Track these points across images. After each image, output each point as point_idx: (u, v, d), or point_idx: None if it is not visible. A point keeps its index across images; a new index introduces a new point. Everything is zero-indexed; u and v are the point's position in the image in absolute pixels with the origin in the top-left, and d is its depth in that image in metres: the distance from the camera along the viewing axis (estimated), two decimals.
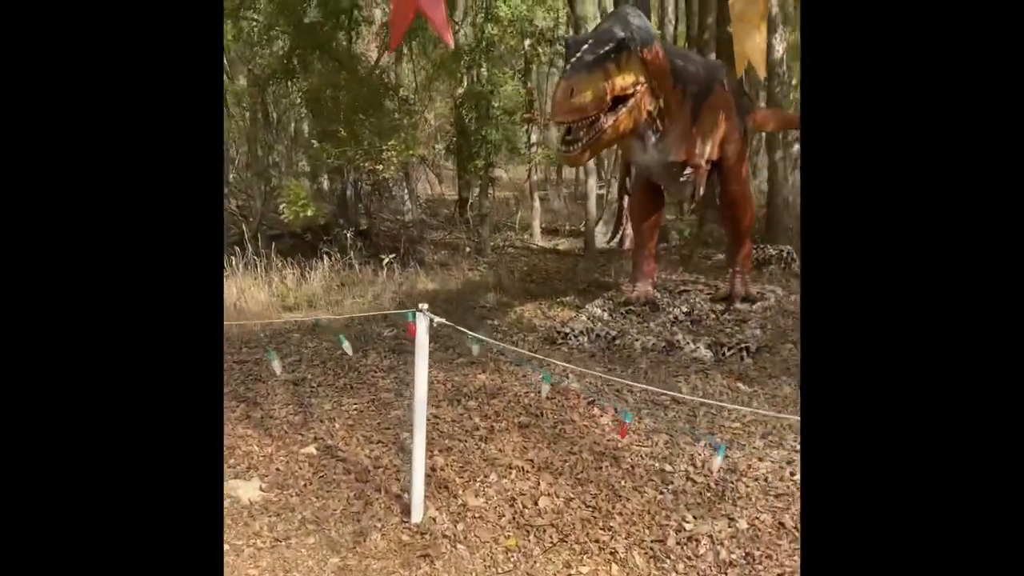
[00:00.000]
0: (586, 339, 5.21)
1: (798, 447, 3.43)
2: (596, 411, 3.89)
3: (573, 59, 4.00)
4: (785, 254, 8.16)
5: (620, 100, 4.14)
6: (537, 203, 11.21)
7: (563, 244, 10.71)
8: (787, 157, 9.64)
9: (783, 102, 9.17)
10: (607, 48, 4.07)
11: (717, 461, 2.09)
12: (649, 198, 5.97)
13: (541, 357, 4.28)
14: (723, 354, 4.86)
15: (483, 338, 2.63)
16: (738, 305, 5.98)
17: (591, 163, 9.34)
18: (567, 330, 5.29)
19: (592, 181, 9.35)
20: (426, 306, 2.67)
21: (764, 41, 3.45)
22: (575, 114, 3.97)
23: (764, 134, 9.51)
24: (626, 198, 10.36)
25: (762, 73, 3.58)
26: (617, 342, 5.12)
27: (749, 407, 3.98)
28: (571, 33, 13.03)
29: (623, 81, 4.10)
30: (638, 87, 4.21)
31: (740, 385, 4.32)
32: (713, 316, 5.73)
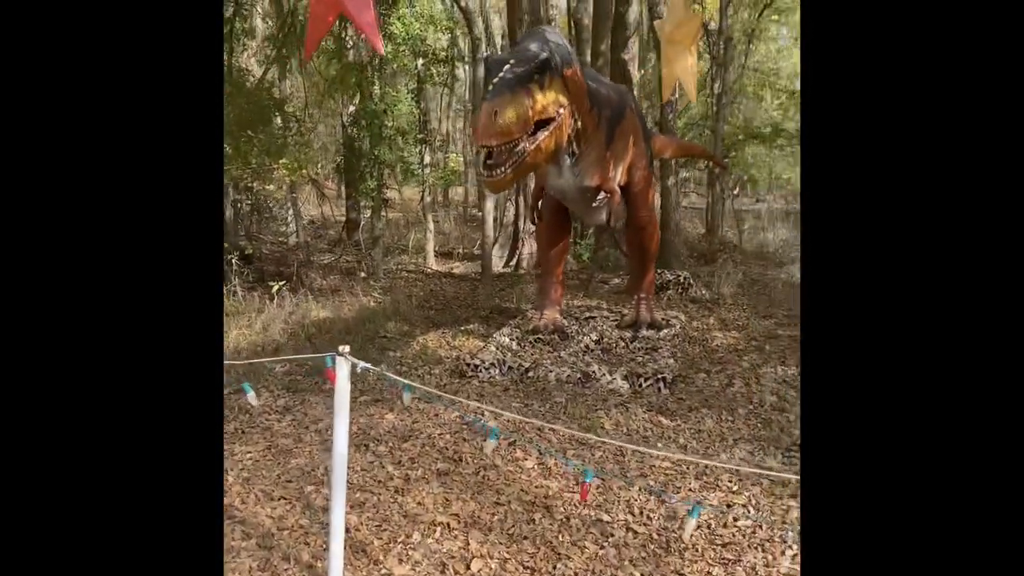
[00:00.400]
0: (497, 371, 4.95)
1: (734, 487, 3.28)
2: (519, 453, 3.62)
3: (496, 79, 3.76)
4: (682, 279, 8.22)
5: (543, 123, 3.93)
6: (432, 225, 10.91)
7: (458, 268, 10.45)
8: (678, 183, 9.76)
9: (672, 129, 9.29)
10: (530, 68, 3.85)
11: (691, 526, 1.86)
12: (558, 224, 5.80)
13: (489, 408, 3.98)
14: (640, 385, 4.71)
15: (417, 386, 2.31)
16: (644, 332, 5.89)
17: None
18: (476, 362, 5.01)
19: (489, 204, 9.14)
20: (347, 348, 2.33)
21: (695, 64, 3.33)
22: (499, 137, 3.72)
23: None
24: (523, 220, 10.34)
25: (693, 97, 3.48)
26: (531, 374, 4.88)
27: (676, 442, 3.82)
28: (467, 54, 12.86)
29: (546, 102, 3.90)
30: (561, 109, 4.02)
31: (662, 419, 4.17)
32: (623, 344, 5.60)
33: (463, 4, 8.01)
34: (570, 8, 9.98)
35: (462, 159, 16.44)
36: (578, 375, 4.81)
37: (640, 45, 10.14)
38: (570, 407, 4.34)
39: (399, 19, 8.50)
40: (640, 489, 3.22)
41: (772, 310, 7.39)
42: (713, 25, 12.98)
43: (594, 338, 5.69)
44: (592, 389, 4.68)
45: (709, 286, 8.22)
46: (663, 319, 6.22)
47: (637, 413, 4.25)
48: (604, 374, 4.79)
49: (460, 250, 12.03)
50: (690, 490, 3.26)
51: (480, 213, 18.30)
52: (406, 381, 2.30)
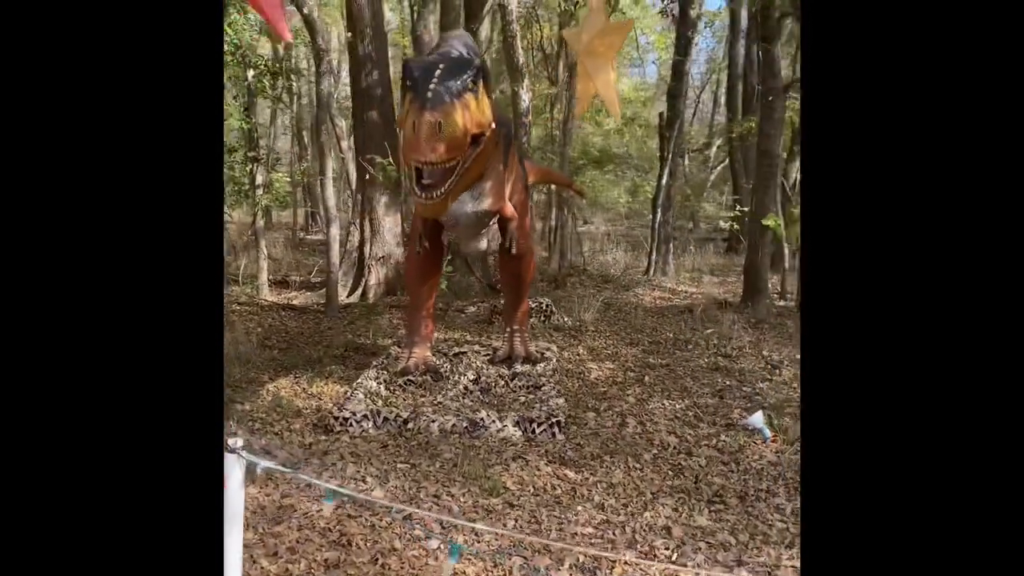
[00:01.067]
0: (371, 424, 4.34)
1: (674, 556, 2.91)
2: (419, 531, 3.06)
3: (431, 86, 3.23)
4: (544, 306, 7.94)
5: (475, 138, 3.44)
6: (265, 251, 9.98)
7: (297, 298, 9.60)
8: (532, 208, 9.48)
9: (527, 152, 9.03)
10: (466, 76, 3.36)
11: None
12: (433, 253, 5.27)
13: (466, 523, 3.37)
14: (533, 432, 4.28)
15: (342, 490, 1.73)
16: (518, 367, 5.49)
17: (334, 208, 8.44)
18: (346, 414, 4.37)
19: (334, 229, 8.43)
20: (239, 442, 1.71)
21: (616, 78, 2.97)
22: (446, 152, 3.20)
23: None
24: (369, 246, 9.67)
25: (617, 114, 3.11)
26: (410, 426, 4.31)
27: (590, 501, 3.41)
28: (304, 66, 11.98)
29: (480, 115, 3.41)
30: (492, 124, 3.56)
31: (567, 472, 3.75)
32: (503, 383, 5.16)
33: (305, 12, 7.32)
34: (413, 23, 9.51)
35: (289, 179, 15.45)
36: (464, 424, 4.30)
37: (492, 64, 9.83)
38: (463, 463, 3.82)
39: (229, 26, 7.66)
40: (572, 568, 2.77)
41: (635, 336, 7.25)
42: (551, 50, 13.00)
43: (471, 377, 5.20)
44: (482, 439, 4.19)
45: (569, 312, 7.99)
46: (537, 351, 5.86)
47: (539, 467, 3.81)
48: (493, 421, 4.31)
49: (295, 278, 11.14)
50: (626, 563, 2.85)
51: (306, 236, 17.29)
52: (328, 485, 1.71)
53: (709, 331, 7.43)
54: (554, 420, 4.30)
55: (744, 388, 5.30)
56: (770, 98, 7.35)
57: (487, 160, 3.84)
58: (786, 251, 9.91)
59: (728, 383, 5.45)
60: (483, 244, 5.57)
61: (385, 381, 5.11)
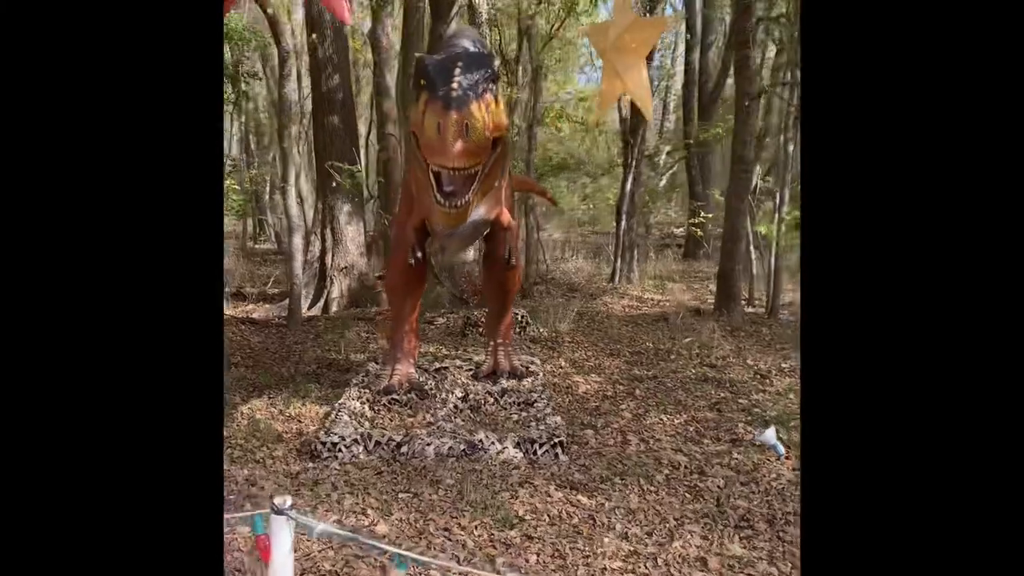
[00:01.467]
0: (362, 449, 4.05)
1: None
2: (435, 573, 2.80)
3: (454, 84, 2.97)
4: (519, 317, 7.71)
5: (494, 142, 3.20)
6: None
7: (257, 312, 9.19)
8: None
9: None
10: (485, 74, 3.12)
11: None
12: (419, 266, 5.01)
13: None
14: (535, 453, 4.05)
15: (413, 555, 1.47)
16: (504, 383, 5.26)
17: (297, 217, 8.08)
18: (334, 438, 4.07)
19: (297, 239, 8.06)
20: (288, 501, 1.44)
21: (647, 76, 2.77)
22: (473, 156, 2.96)
23: None
24: (331, 256, 9.31)
25: (650, 116, 2.90)
26: (404, 450, 4.04)
27: (613, 530, 3.19)
28: (262, 69, 11.50)
29: (499, 116, 3.17)
30: (509, 127, 3.33)
31: (580, 498, 3.53)
32: (492, 400, 4.92)
33: (270, 12, 6.97)
34: (375, 27, 9.20)
35: (239, 187, 14.93)
36: (462, 446, 4.05)
37: None
38: (468, 491, 3.57)
39: None
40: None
41: (614, 346, 7.09)
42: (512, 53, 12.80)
43: (458, 395, 4.95)
44: (482, 462, 3.94)
45: (544, 323, 7.78)
46: (522, 365, 5.63)
47: (549, 492, 3.57)
48: (492, 443, 4.06)
49: (251, 290, 10.70)
50: None
51: (255, 246, 16.72)
52: (396, 550, 1.46)
53: (688, 340, 7.30)
54: (556, 440, 4.08)
55: (740, 400, 5.16)
56: (747, 103, 7.28)
57: (503, 165, 3.62)
58: (753, 257, 9.89)
59: (722, 395, 5.30)
60: (470, 254, 5.33)
61: (368, 400, 4.82)
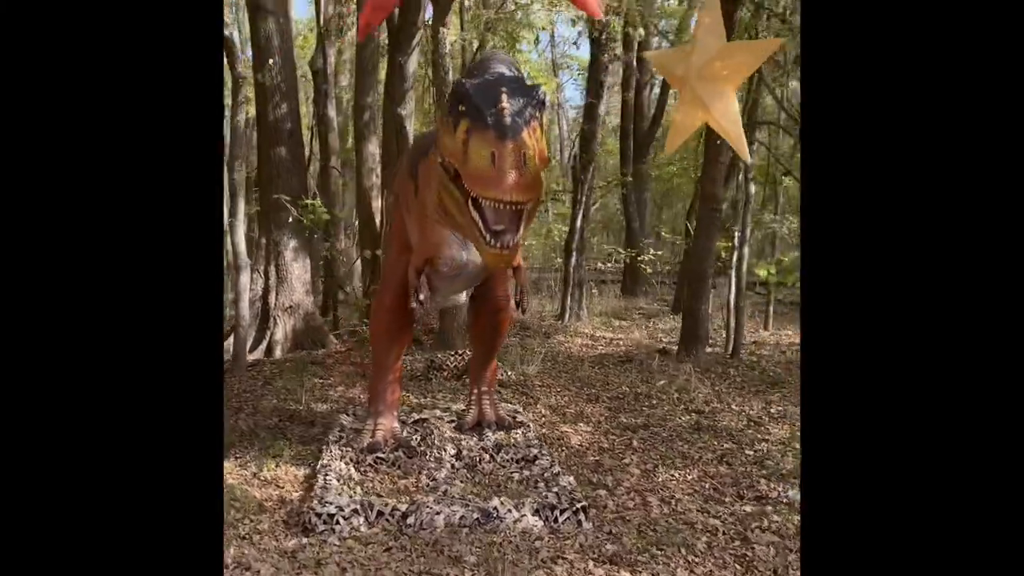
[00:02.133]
0: (363, 520, 3.57)
1: None
2: None
3: (505, 112, 2.62)
4: None
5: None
6: None
7: None
8: None
9: None
10: (532, 100, 2.77)
11: None
12: (406, 308, 4.57)
13: None
14: (555, 520, 3.65)
15: None
16: (491, 435, 4.87)
17: (244, 254, 7.49)
18: (330, 508, 3.58)
19: (244, 278, 7.47)
20: None
21: (737, 107, 2.47)
22: (529, 191, 2.59)
23: None
24: (275, 295, 8.69)
25: (746, 154, 2.60)
26: (411, 520, 3.58)
27: None
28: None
29: (544, 148, 2.81)
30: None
31: (623, 574, 3.16)
32: (488, 457, 4.51)
33: (228, 33, 6.47)
34: (315, 57, 8.77)
35: None
36: (475, 515, 3.62)
37: (416, 101, 9.22)
38: (496, 570, 3.15)
39: None
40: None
41: (588, 390, 6.78)
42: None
43: (450, 451, 4.52)
44: (502, 536, 3.52)
45: (512, 366, 7.41)
46: (508, 415, 5.24)
47: (588, 569, 3.19)
48: (508, 510, 3.65)
49: None
50: None
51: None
52: None
53: (662, 383, 7.06)
54: (579, 506, 3.70)
55: (746, 452, 4.90)
56: (717, 142, 7.17)
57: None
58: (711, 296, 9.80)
59: (725, 445, 5.04)
60: (463, 297, 4.94)
61: (352, 460, 4.34)
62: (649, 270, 13.27)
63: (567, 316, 11.47)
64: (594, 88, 11.36)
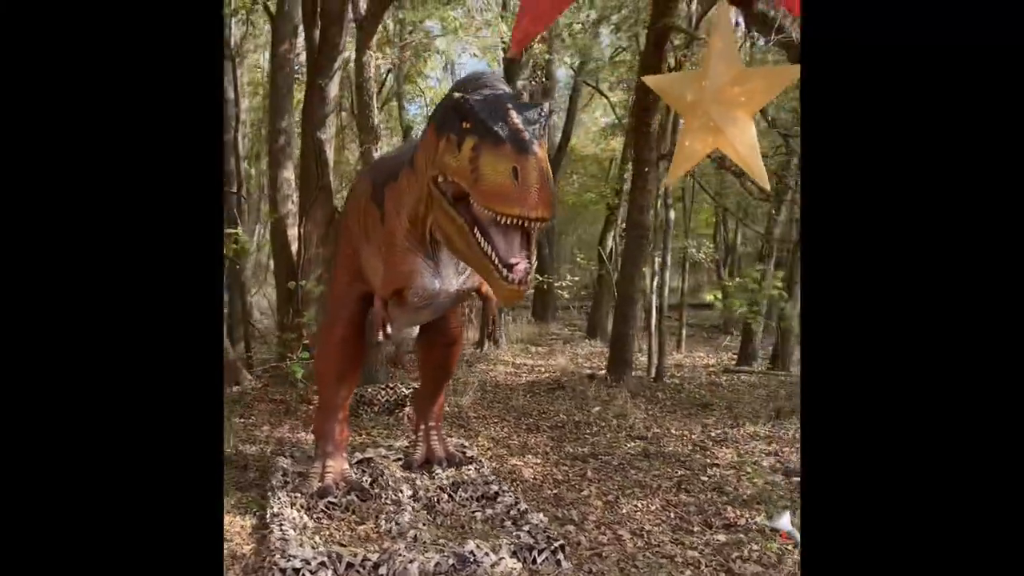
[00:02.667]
0: (331, 573, 3.30)
1: None
2: None
3: (519, 125, 2.47)
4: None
5: None
6: None
7: None
8: None
9: None
10: (540, 114, 2.63)
11: None
12: (358, 343, 4.32)
13: None
14: (533, 561, 3.49)
15: None
16: (442, 471, 4.68)
17: None
18: (295, 563, 3.29)
19: None
20: None
21: (755, 134, 2.42)
22: (553, 209, 2.44)
23: None
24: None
25: (766, 183, 2.52)
26: (383, 570, 3.33)
27: None
28: None
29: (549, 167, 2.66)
30: None
31: None
32: (446, 497, 4.31)
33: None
34: (234, 74, 8.39)
35: None
36: (450, 560, 3.41)
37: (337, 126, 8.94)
38: None
39: None
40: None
41: (527, 420, 6.66)
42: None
43: (407, 492, 4.29)
44: None
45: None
46: (457, 451, 5.05)
47: None
48: (485, 553, 3.46)
49: None
50: None
51: None
52: None
53: (596, 409, 7.03)
54: (556, 545, 3.55)
55: (701, 478, 4.89)
56: (646, 170, 7.26)
57: None
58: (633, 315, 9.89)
59: (678, 472, 5.01)
60: (415, 331, 4.73)
61: (303, 507, 4.05)
62: (567, 295, 13.30)
63: (484, 344, 11.34)
64: None
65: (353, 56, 8.20)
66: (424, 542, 3.61)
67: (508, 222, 2.45)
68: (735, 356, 11.20)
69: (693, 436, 6.01)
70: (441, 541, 3.63)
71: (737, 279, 7.72)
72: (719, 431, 6.19)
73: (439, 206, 2.91)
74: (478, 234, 2.64)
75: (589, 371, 9.12)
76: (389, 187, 3.62)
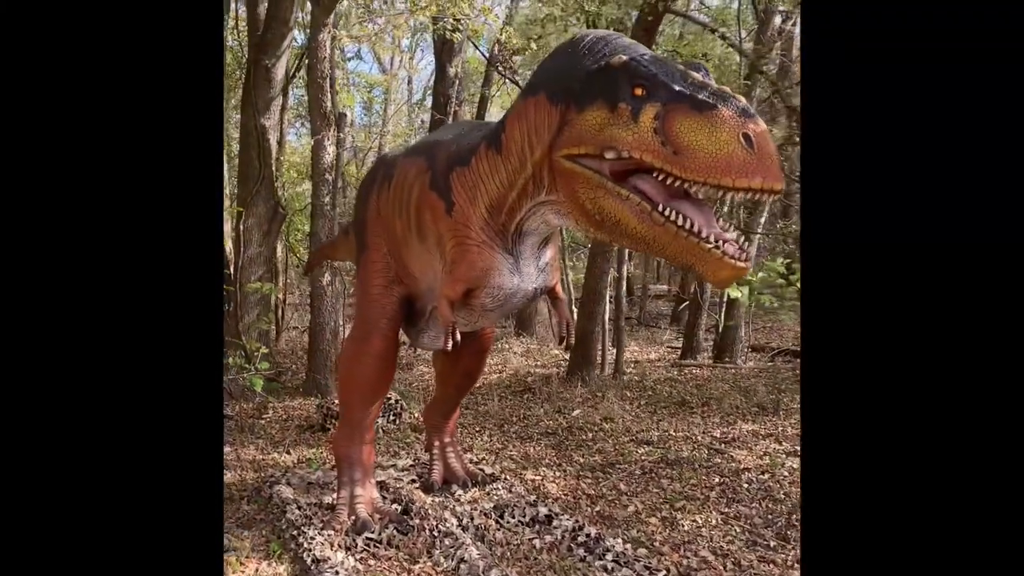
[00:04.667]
0: None
1: None
2: None
3: (713, 86, 2.13)
4: (395, 402, 6.52)
5: None
6: None
7: None
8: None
9: (332, 213, 7.53)
10: (708, 76, 2.28)
11: None
12: (396, 357, 3.77)
13: None
14: None
15: None
16: (463, 493, 4.22)
17: None
18: None
19: None
20: None
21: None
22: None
23: None
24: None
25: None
26: None
27: None
28: None
29: None
30: None
31: None
32: (494, 524, 3.85)
33: None
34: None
35: None
36: None
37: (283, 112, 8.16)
38: None
39: None
40: None
41: (511, 427, 6.25)
42: None
43: (452, 522, 3.79)
44: None
45: (421, 404, 6.69)
46: (483, 469, 4.60)
47: None
48: None
49: None
50: None
51: None
52: None
53: (576, 412, 6.71)
54: (655, 572, 3.18)
55: (740, 483, 4.64)
56: None
57: None
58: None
59: (714, 479, 4.75)
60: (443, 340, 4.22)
61: (342, 546, 3.49)
62: None
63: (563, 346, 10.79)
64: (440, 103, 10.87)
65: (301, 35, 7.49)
66: None
67: (740, 196, 2.04)
68: (672, 349, 11.19)
69: (699, 438, 5.78)
70: None
71: (760, 273, 7.55)
72: (721, 431, 6.00)
73: (593, 187, 2.44)
74: (671, 212, 2.21)
75: (541, 369, 8.78)
76: (457, 173, 3.12)
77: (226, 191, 7.77)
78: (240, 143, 7.38)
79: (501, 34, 8.69)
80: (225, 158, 7.79)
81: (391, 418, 6.34)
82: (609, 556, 3.36)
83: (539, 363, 9.54)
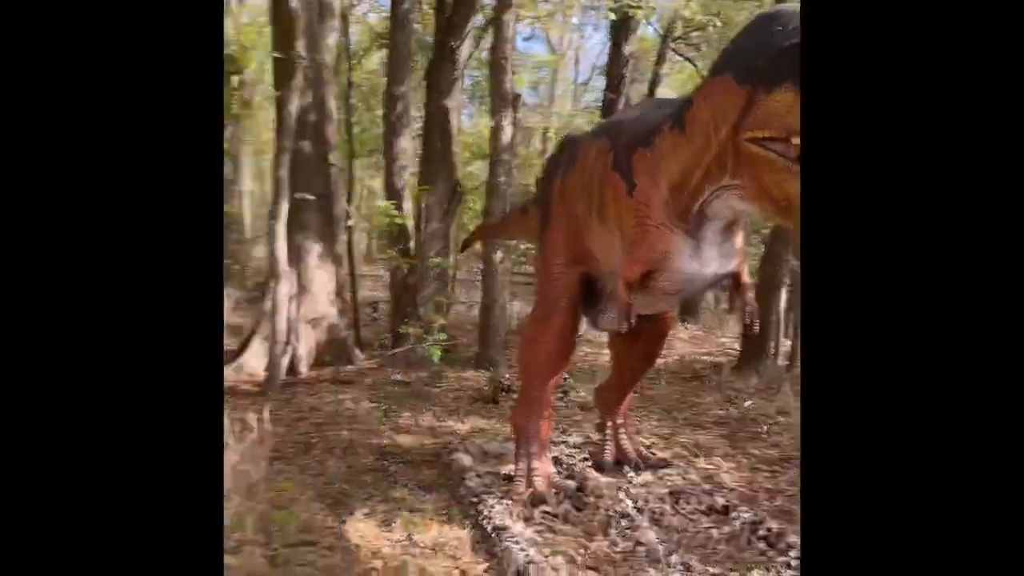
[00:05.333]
0: None
1: None
2: None
3: None
4: (564, 379, 6.60)
5: None
6: None
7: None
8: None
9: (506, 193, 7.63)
10: None
11: None
12: (575, 334, 3.83)
13: None
14: None
15: None
16: (633, 475, 4.18)
17: (285, 261, 6.58)
18: None
19: (284, 288, 6.54)
20: None
21: None
22: None
23: None
24: (296, 306, 7.71)
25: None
26: None
27: None
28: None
29: None
30: None
31: None
32: (670, 509, 3.80)
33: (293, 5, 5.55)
34: (346, 31, 7.88)
35: None
36: None
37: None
38: None
39: None
40: None
41: (686, 415, 6.14)
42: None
43: (629, 505, 3.78)
44: None
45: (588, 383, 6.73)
46: (654, 453, 4.56)
47: None
48: None
49: None
50: None
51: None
52: None
53: (748, 403, 6.49)
54: None
55: None
56: None
57: None
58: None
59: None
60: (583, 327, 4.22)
61: (520, 516, 3.57)
62: None
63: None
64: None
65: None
66: (690, 569, 3.10)
67: None
68: None
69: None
70: (699, 568, 3.12)
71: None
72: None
73: (779, 171, 2.36)
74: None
75: (708, 357, 8.56)
76: (639, 154, 3.10)
77: (411, 170, 8.10)
78: (424, 124, 7.65)
79: (686, 9, 8.47)
80: (409, 138, 8.11)
81: (559, 395, 6.41)
82: (792, 553, 3.24)
83: (706, 350, 9.32)
